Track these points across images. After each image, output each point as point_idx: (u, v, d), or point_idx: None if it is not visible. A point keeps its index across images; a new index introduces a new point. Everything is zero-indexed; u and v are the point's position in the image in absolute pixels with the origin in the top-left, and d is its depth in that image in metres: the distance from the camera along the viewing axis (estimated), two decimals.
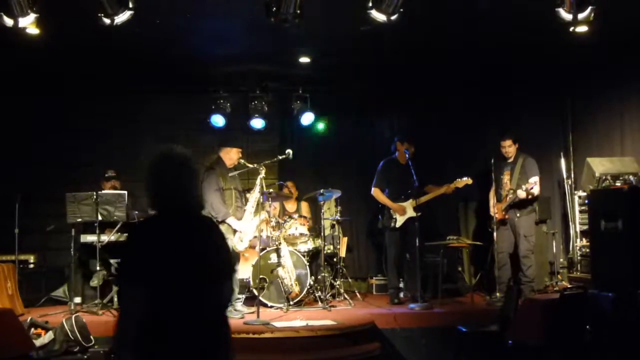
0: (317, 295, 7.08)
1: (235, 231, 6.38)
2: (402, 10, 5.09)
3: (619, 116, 7.40)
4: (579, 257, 7.38)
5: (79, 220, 6.63)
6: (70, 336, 5.42)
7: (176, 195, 2.62)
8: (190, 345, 2.49)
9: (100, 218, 6.53)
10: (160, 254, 2.49)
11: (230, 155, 6.73)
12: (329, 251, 7.73)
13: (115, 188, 7.21)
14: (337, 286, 7.38)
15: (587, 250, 6.98)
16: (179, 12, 5.96)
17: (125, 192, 6.84)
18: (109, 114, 8.41)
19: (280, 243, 7.04)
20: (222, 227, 5.96)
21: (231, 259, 2.93)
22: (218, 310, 2.68)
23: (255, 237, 6.45)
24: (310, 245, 7.46)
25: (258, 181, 6.67)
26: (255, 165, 6.74)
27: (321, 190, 7.35)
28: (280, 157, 7.09)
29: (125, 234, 2.66)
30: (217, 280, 2.67)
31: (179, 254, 2.54)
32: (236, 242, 6.36)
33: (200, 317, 2.55)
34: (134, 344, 2.43)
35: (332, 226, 8.04)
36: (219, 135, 8.12)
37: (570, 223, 7.87)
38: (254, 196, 6.68)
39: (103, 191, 6.89)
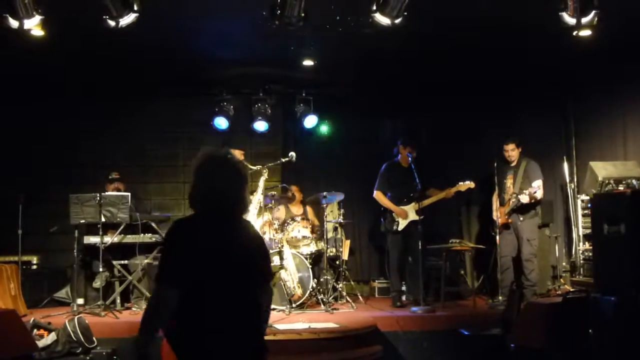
0: (319, 297, 7.08)
1: None
2: (405, 13, 5.09)
3: (621, 120, 7.40)
4: (581, 261, 7.37)
5: (82, 221, 6.64)
6: (73, 337, 5.43)
7: (226, 198, 2.68)
8: (231, 344, 2.55)
9: (103, 219, 6.54)
10: (202, 254, 2.54)
11: None
12: (331, 254, 7.73)
13: (118, 190, 7.22)
14: (340, 289, 7.38)
15: (590, 254, 6.97)
16: (183, 14, 5.97)
17: (129, 193, 6.84)
18: (112, 116, 8.42)
19: (282, 245, 7.04)
20: None
21: (270, 263, 2.97)
22: (257, 313, 2.72)
23: None
24: (312, 247, 7.46)
25: (260, 183, 6.67)
26: (258, 168, 6.75)
27: (324, 193, 7.35)
28: (283, 160, 7.11)
29: (166, 231, 2.71)
30: (256, 283, 2.74)
31: (221, 254, 2.59)
32: None
33: (239, 319, 2.60)
34: (155, 333, 2.53)
35: (335, 229, 8.04)
36: (221, 137, 8.15)
37: (573, 227, 7.88)
38: (256, 198, 6.68)
39: (106, 193, 6.90)
